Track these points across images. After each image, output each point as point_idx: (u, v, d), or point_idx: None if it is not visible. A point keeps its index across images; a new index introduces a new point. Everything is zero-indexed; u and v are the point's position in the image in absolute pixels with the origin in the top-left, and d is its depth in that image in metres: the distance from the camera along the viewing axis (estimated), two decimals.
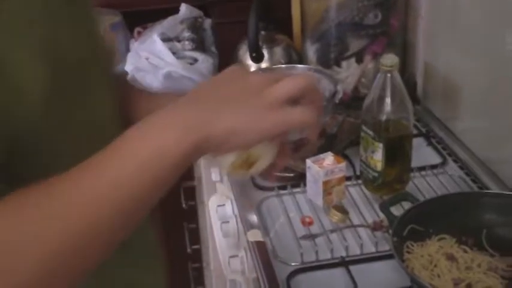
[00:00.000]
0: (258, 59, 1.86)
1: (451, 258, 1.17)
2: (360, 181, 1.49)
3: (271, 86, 0.78)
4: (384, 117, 1.35)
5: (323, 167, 1.38)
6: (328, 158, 1.39)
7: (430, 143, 1.69)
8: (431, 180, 1.51)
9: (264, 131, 0.77)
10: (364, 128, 1.38)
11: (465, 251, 1.20)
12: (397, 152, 1.41)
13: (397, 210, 1.29)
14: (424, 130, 1.75)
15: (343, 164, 1.40)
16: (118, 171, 0.72)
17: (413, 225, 1.22)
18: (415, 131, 1.73)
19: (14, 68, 0.70)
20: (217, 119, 0.75)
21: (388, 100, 1.35)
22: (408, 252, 1.18)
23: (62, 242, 0.69)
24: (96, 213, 0.71)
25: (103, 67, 0.92)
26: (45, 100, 0.74)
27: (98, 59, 0.90)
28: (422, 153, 1.63)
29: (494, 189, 1.46)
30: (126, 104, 0.99)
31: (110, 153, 0.73)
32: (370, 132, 1.37)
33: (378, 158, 1.38)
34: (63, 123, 0.79)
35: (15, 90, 0.71)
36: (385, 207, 1.29)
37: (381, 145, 1.36)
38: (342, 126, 1.66)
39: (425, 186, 1.48)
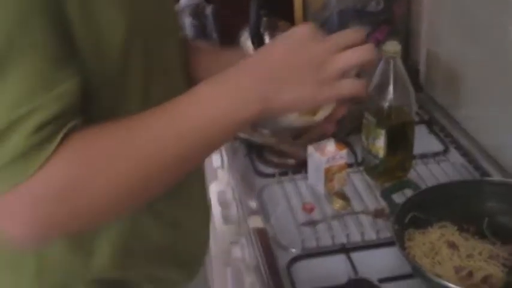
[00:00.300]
0: (259, 44, 1.85)
1: (452, 246, 1.17)
2: (361, 168, 1.49)
3: (334, 56, 0.84)
4: (386, 104, 1.34)
5: (325, 153, 1.38)
6: (330, 145, 1.38)
7: (432, 131, 1.68)
8: (433, 167, 1.51)
9: (320, 102, 0.87)
10: (366, 114, 1.38)
11: (466, 239, 1.20)
12: (399, 139, 1.40)
13: (398, 198, 1.29)
14: (426, 117, 1.74)
15: (345, 151, 1.40)
16: (186, 122, 0.81)
17: (415, 212, 1.21)
18: (417, 119, 1.72)
19: (98, 14, 0.80)
20: (281, 92, 0.83)
21: (390, 87, 1.34)
22: (409, 240, 1.17)
23: (130, 176, 0.79)
24: (164, 151, 0.80)
25: (174, 21, 1.01)
26: (124, 44, 0.83)
27: (170, 13, 1.00)
28: (424, 140, 1.63)
29: (497, 176, 1.45)
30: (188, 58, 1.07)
31: (183, 104, 0.82)
32: (373, 119, 1.36)
33: (380, 145, 1.38)
34: (138, 68, 0.88)
35: (100, 33, 0.81)
36: (386, 195, 1.29)
37: (383, 132, 1.36)
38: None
39: (427, 174, 1.47)
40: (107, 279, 0.98)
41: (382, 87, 1.35)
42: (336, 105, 0.93)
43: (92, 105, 0.82)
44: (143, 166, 0.80)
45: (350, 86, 0.85)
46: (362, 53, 0.85)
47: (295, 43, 0.85)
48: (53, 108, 0.75)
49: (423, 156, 1.54)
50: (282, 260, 1.24)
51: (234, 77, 0.85)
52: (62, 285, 0.97)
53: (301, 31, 0.86)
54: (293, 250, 1.26)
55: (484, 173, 1.48)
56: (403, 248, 1.14)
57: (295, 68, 0.84)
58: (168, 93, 0.86)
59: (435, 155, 1.55)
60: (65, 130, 0.76)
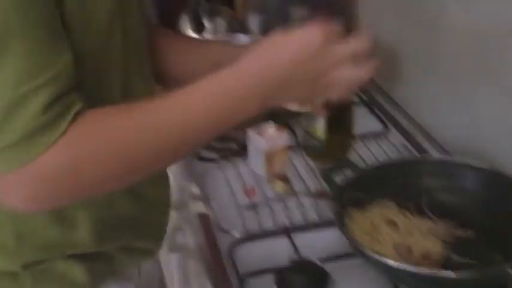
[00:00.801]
0: (199, 29, 1.84)
1: (392, 223, 1.18)
2: (302, 150, 1.49)
3: (339, 71, 0.89)
4: None
5: (265, 136, 1.38)
6: (270, 128, 1.38)
7: (372, 111, 1.69)
8: (373, 148, 1.52)
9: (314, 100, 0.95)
10: None
11: (406, 217, 1.21)
12: (339, 120, 1.41)
13: (339, 178, 1.29)
14: (366, 98, 1.75)
15: (285, 133, 1.40)
16: (186, 114, 0.85)
17: (355, 192, 1.21)
18: (357, 99, 1.73)
19: None
20: (280, 99, 0.90)
21: None
22: (349, 219, 1.18)
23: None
24: (168, 135, 0.85)
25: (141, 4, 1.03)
26: (108, 23, 0.88)
27: None
28: (364, 121, 1.64)
29: (436, 155, 1.47)
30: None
31: (185, 97, 0.86)
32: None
33: (319, 126, 1.38)
34: (118, 49, 0.92)
35: (88, 12, 0.84)
36: (326, 175, 1.29)
37: None
38: None
39: (367, 154, 1.48)
40: (84, 252, 1.00)
41: None
42: None
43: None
44: (150, 146, 0.85)
45: (340, 93, 0.92)
46: (364, 73, 0.91)
47: (304, 54, 0.88)
48: (59, 84, 0.77)
49: (363, 136, 1.55)
50: (225, 244, 1.23)
51: (239, 78, 0.88)
52: (41, 254, 0.98)
53: (314, 39, 0.89)
54: (235, 234, 1.26)
55: (424, 152, 1.50)
56: (343, 227, 1.14)
57: (299, 81, 0.88)
58: (141, 75, 0.94)
59: (375, 135, 1.57)
60: (75, 108, 0.79)
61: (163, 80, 1.15)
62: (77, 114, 0.79)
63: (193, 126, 0.86)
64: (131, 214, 1.06)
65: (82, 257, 1.00)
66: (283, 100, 0.92)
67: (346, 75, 0.90)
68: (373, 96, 1.76)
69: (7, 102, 0.75)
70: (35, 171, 0.78)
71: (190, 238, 1.38)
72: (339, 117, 1.40)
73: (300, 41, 0.89)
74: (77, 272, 1.00)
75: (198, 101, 0.86)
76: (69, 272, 1.00)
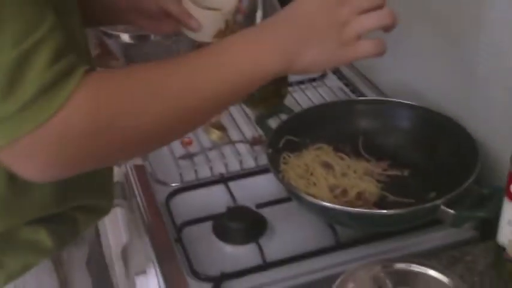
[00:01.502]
0: None
1: (327, 166, 1.18)
2: None
3: (356, 18, 0.86)
4: None
5: None
6: None
7: None
8: (310, 93, 1.52)
9: (340, 63, 0.95)
10: None
11: (341, 158, 1.21)
12: None
13: (275, 124, 1.28)
14: None
15: None
16: (216, 71, 0.84)
17: (289, 136, 1.21)
18: None
19: None
20: (306, 50, 0.86)
21: (259, 14, 1.32)
22: (285, 164, 1.18)
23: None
24: (193, 93, 0.83)
25: None
26: None
27: None
28: None
29: (371, 96, 1.47)
30: None
31: (214, 53, 0.86)
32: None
33: None
34: None
35: None
36: (261, 121, 1.28)
37: None
38: None
39: (304, 99, 1.48)
40: (47, 215, 0.99)
41: (251, 16, 1.33)
42: None
43: None
44: (171, 105, 0.81)
45: (370, 48, 0.87)
46: (383, 17, 0.87)
47: (319, 4, 0.88)
48: (56, 39, 0.74)
49: (300, 82, 1.55)
50: (161, 195, 1.22)
51: (262, 35, 0.88)
52: (4, 222, 0.96)
53: None
54: (172, 184, 1.25)
55: (361, 95, 1.50)
56: (277, 171, 1.14)
57: (319, 28, 0.86)
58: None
59: (312, 80, 1.56)
60: (82, 65, 0.75)
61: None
62: (86, 72, 0.76)
63: (216, 85, 0.84)
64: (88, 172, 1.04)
65: (46, 221, 0.99)
66: (307, 56, 0.87)
67: (365, 22, 0.87)
68: None
69: (10, 63, 0.71)
70: (56, 129, 0.73)
71: (126, 191, 1.36)
72: None
73: None
74: (43, 236, 0.99)
75: (225, 56, 0.86)
76: (34, 237, 0.98)
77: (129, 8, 1.13)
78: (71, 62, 0.74)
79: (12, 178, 0.91)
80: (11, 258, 0.98)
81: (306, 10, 0.88)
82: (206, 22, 1.12)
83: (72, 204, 1.02)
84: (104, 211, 1.13)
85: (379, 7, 0.88)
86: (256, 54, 0.86)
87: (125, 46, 1.64)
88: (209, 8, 1.14)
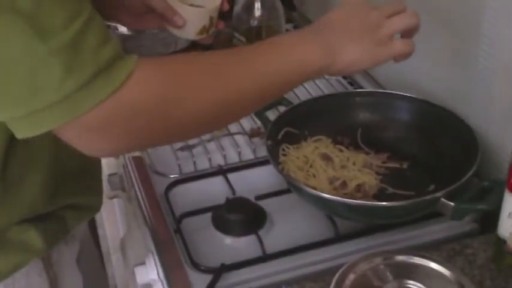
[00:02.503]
0: None
1: (326, 158, 1.18)
2: None
3: (387, 20, 0.96)
4: (255, 23, 1.33)
5: None
6: None
7: None
8: (308, 85, 1.51)
9: (378, 61, 0.96)
10: (236, 35, 1.36)
11: (341, 150, 1.21)
12: None
13: (273, 115, 1.28)
14: None
15: None
16: (267, 65, 0.90)
17: (288, 128, 1.21)
18: None
19: None
20: (346, 50, 0.93)
21: (257, 5, 1.32)
22: (284, 155, 1.17)
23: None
24: (245, 84, 0.89)
25: None
26: None
27: None
28: None
29: (369, 89, 1.46)
30: None
31: (265, 49, 0.93)
32: (243, 39, 1.34)
33: None
34: None
35: None
36: (259, 112, 1.27)
37: None
38: (218, 37, 1.62)
39: (302, 91, 1.47)
40: (37, 215, 0.99)
41: (249, 6, 1.32)
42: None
43: None
44: (230, 91, 0.87)
45: (403, 46, 0.97)
46: (410, 17, 0.97)
47: (352, 10, 0.97)
48: (100, 23, 0.77)
49: None
50: (160, 186, 1.22)
51: (305, 38, 0.95)
52: None
53: (354, 3, 0.98)
54: (171, 176, 1.24)
55: (359, 87, 1.49)
56: (277, 163, 1.14)
57: (355, 30, 0.95)
58: None
59: None
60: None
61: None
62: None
63: (268, 78, 0.90)
64: (76, 169, 1.04)
65: (36, 220, 0.99)
66: (347, 56, 0.94)
67: (396, 23, 0.96)
68: None
69: (65, 41, 0.72)
70: (122, 103, 0.77)
71: (125, 183, 1.36)
72: None
73: (342, 6, 0.98)
74: (32, 235, 0.99)
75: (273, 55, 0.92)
76: (24, 237, 0.99)
77: (113, 4, 1.12)
78: (118, 46, 0.77)
79: (1, 178, 0.91)
80: (0, 258, 0.98)
81: (339, 18, 0.97)
82: (190, 19, 1.12)
83: (62, 203, 1.03)
84: (94, 209, 1.14)
85: (402, 11, 0.98)
86: (304, 52, 0.92)
87: (123, 38, 1.63)
88: (193, 5, 1.14)
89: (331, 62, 0.93)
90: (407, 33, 0.99)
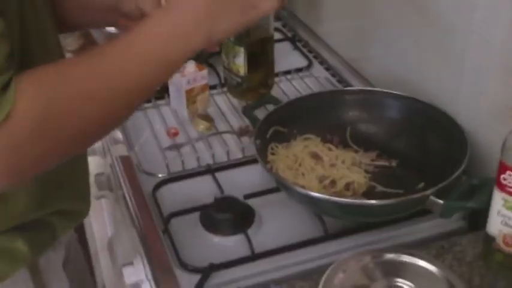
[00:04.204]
0: None
1: (315, 156, 1.17)
2: (225, 89, 1.47)
3: None
4: None
5: (185, 75, 1.35)
6: (190, 66, 1.35)
7: (296, 47, 1.68)
8: (297, 83, 1.51)
9: (247, 25, 0.94)
10: None
11: (330, 149, 1.21)
12: (260, 56, 1.39)
13: (262, 114, 1.27)
14: (290, 34, 1.74)
15: (205, 71, 1.37)
16: (149, 45, 0.86)
17: (277, 126, 1.20)
18: (281, 36, 1.71)
19: None
20: (217, 27, 0.90)
21: None
22: (273, 154, 1.17)
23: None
24: (121, 78, 0.83)
25: None
26: None
27: None
28: (288, 57, 1.62)
29: (358, 87, 1.46)
30: None
31: (146, 27, 0.87)
32: (231, 37, 1.33)
33: (240, 62, 1.36)
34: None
35: None
36: (248, 111, 1.27)
37: (242, 49, 1.34)
38: None
39: (291, 89, 1.47)
40: (25, 222, 0.98)
41: None
42: None
43: None
44: (107, 91, 0.82)
45: (270, 4, 0.93)
46: None
47: None
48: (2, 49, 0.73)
49: (287, 72, 1.54)
50: (148, 186, 1.21)
51: (177, 20, 0.89)
52: None
53: None
54: (159, 175, 1.24)
55: (347, 85, 1.49)
56: (265, 162, 1.13)
57: (225, 3, 0.91)
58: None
59: (299, 70, 1.55)
60: (11, 71, 0.73)
61: (64, 29, 1.11)
62: (17, 79, 0.74)
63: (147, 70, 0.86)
64: (62, 176, 1.01)
65: (23, 228, 0.98)
66: (220, 29, 0.91)
67: None
68: (297, 31, 1.74)
69: None
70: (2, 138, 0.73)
71: (113, 182, 1.35)
72: (258, 52, 1.38)
73: None
74: (20, 244, 0.98)
75: (145, 43, 0.86)
76: (12, 245, 0.98)
77: (110, 9, 1.11)
78: (10, 75, 0.73)
79: None
80: None
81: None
82: None
83: (49, 210, 1.02)
84: (82, 215, 1.13)
85: None
86: (184, 37, 0.88)
87: (110, 36, 1.62)
88: None
89: (209, 35, 0.89)
90: None
